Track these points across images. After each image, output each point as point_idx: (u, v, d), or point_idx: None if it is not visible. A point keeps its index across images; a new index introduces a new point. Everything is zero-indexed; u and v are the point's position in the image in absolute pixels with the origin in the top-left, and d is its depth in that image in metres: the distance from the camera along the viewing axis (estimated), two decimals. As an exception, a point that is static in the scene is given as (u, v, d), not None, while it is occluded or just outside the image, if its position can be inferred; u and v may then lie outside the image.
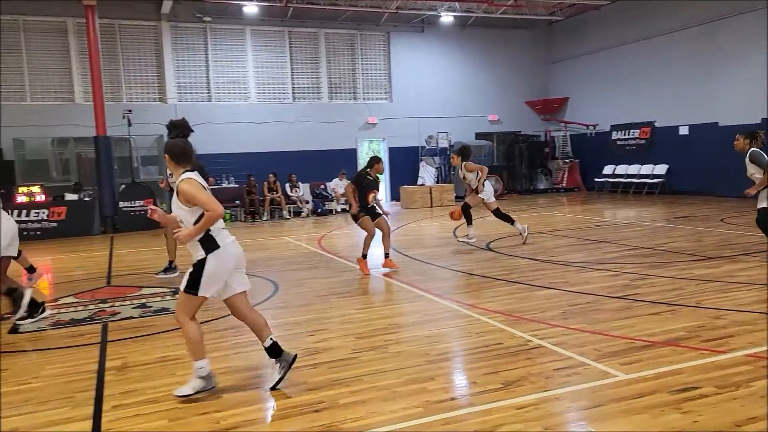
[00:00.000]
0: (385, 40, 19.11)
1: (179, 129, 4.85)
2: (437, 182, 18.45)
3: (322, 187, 17.38)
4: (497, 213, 9.44)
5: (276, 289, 6.91)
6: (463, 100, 19.79)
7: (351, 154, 18.51)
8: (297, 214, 16.40)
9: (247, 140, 17.01)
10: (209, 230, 3.72)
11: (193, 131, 5.46)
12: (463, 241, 9.38)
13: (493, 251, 8.94)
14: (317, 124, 18.00)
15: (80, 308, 6.38)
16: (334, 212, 16.79)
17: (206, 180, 3.99)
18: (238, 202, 16.04)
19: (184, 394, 3.72)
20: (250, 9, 16.42)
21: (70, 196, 13.50)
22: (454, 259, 8.40)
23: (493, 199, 9.51)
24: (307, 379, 4.00)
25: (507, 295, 6.15)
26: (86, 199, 13.71)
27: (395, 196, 18.71)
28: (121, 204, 13.82)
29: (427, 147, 19.06)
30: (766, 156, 6.97)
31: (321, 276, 7.69)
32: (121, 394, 3.87)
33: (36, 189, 13.07)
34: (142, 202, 13.95)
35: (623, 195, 17.44)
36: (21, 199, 12.87)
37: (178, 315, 3.89)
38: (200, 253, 3.72)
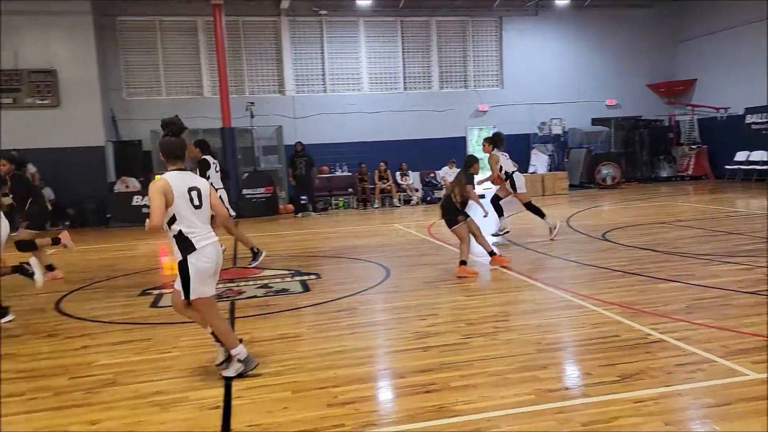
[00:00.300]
0: (497, 26, 18.76)
1: (170, 127, 5.01)
2: (550, 170, 17.91)
3: (432, 175, 17.46)
4: (528, 206, 8.92)
5: (388, 274, 7.10)
6: (579, 84, 18.99)
7: (460, 143, 18.41)
8: (407, 201, 16.61)
9: (359, 130, 17.43)
10: (182, 230, 3.86)
11: (186, 128, 5.44)
12: (499, 234, 9.12)
13: (610, 241, 8.59)
14: (427, 112, 18.07)
15: (210, 286, 6.93)
16: (443, 200, 16.85)
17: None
18: (350, 189, 16.54)
19: (229, 375, 3.94)
20: (364, 1, 16.76)
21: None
22: (566, 249, 8.17)
23: (524, 190, 8.95)
24: (418, 361, 4.12)
25: (625, 286, 5.91)
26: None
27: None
28: (244, 191, 14.73)
29: (540, 134, 18.53)
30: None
31: (431, 263, 7.79)
32: (248, 366, 4.19)
33: (170, 177, 14.25)
34: (263, 190, 14.80)
35: (758, 183, 15.98)
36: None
37: (204, 320, 4.07)
38: (178, 256, 3.88)
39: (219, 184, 8.27)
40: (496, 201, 9.19)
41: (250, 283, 7.02)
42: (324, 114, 17.28)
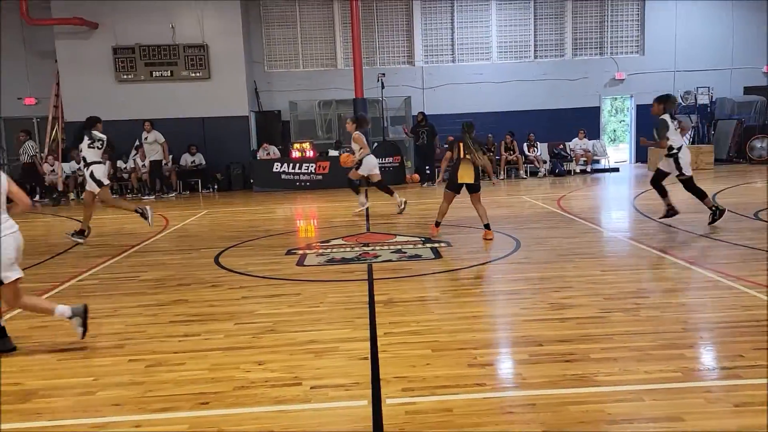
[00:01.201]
0: (640, -13, 17.55)
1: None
2: (692, 143, 16.66)
3: (561, 147, 16.93)
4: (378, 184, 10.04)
5: (518, 245, 7.12)
6: (731, 50, 17.36)
7: (593, 113, 17.64)
8: (533, 174, 16.28)
9: (487, 100, 17.24)
10: None
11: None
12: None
13: (763, 221, 7.96)
14: (559, 81, 17.44)
15: (348, 249, 7.36)
16: (572, 173, 16.31)
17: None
18: (476, 160, 16.46)
19: (80, 332, 4.20)
20: (496, -33, 16.37)
21: (332, 153, 15.25)
22: (713, 228, 7.68)
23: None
24: (556, 331, 4.18)
25: (781, 270, 5.52)
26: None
27: (642, 157, 17.43)
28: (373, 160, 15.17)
29: (682, 104, 17.23)
30: (671, 126, 7.57)
31: (562, 236, 7.69)
32: (389, 324, 4.48)
33: (306, 146, 15.06)
34: (391, 159, 15.18)
35: None
36: (295, 154, 14.96)
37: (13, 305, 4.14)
38: None
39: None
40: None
41: (385, 247, 7.36)
42: (452, 84, 17.27)
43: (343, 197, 13.25)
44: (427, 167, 15.27)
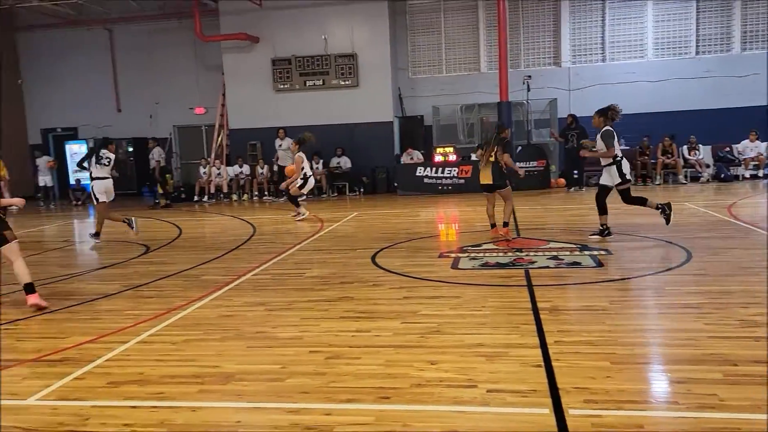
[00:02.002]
0: (827, -30, 15.59)
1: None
2: None
3: (727, 149, 15.48)
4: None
5: (689, 256, 6.61)
6: None
7: (765, 112, 15.92)
8: (694, 179, 15.05)
9: (641, 100, 16.17)
10: None
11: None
12: None
13: None
14: (724, 79, 15.95)
15: (501, 254, 7.28)
16: (741, 178, 14.86)
17: None
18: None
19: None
20: (655, -42, 15.36)
21: (474, 157, 15.19)
22: None
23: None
24: (751, 350, 3.81)
25: None
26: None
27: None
28: (517, 164, 14.88)
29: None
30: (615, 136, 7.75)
31: (740, 246, 7.02)
32: (558, 333, 4.35)
33: (449, 150, 15.15)
34: (535, 163, 14.81)
35: None
36: (438, 158, 15.11)
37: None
38: None
39: None
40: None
41: (539, 253, 7.17)
42: (601, 85, 16.45)
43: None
44: (575, 171, 14.69)
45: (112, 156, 9.68)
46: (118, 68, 18.96)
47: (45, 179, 17.57)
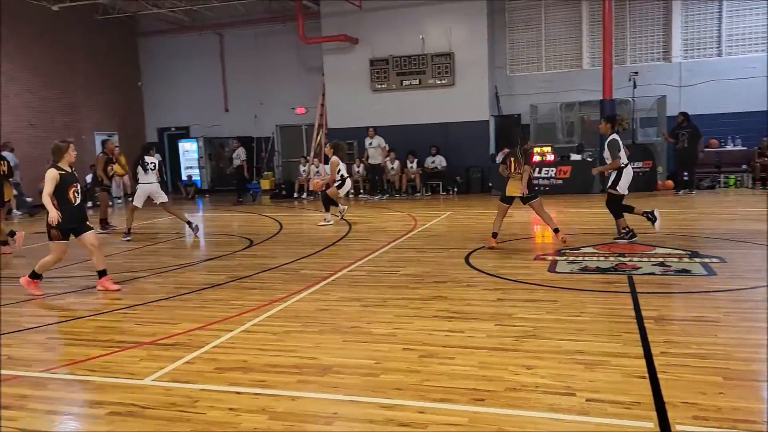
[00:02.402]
0: None
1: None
2: None
3: None
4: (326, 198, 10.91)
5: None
6: None
7: None
8: (823, 183, 13.71)
9: (760, 97, 14.97)
10: None
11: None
12: None
13: None
14: None
15: (602, 258, 6.99)
16: None
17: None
18: (745, 166, 14.44)
19: None
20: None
21: (574, 157, 14.69)
22: None
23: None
24: None
25: None
26: (588, 159, 14.68)
27: None
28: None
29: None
30: (621, 145, 7.78)
31: None
32: (664, 343, 4.12)
33: (547, 149, 14.73)
34: (640, 164, 14.07)
35: None
36: (535, 158, 14.71)
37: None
38: None
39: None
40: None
41: (644, 259, 6.82)
42: (716, 81, 15.37)
43: (586, 203, 12.67)
44: (685, 173, 13.82)
45: (156, 160, 10.33)
46: (227, 70, 20.01)
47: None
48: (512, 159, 7.96)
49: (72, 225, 6.17)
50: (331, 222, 10.86)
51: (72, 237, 6.27)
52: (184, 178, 19.59)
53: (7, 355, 4.47)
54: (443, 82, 16.38)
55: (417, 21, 16.53)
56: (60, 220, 5.97)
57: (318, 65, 17.97)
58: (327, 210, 10.99)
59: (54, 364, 4.25)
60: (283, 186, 17.58)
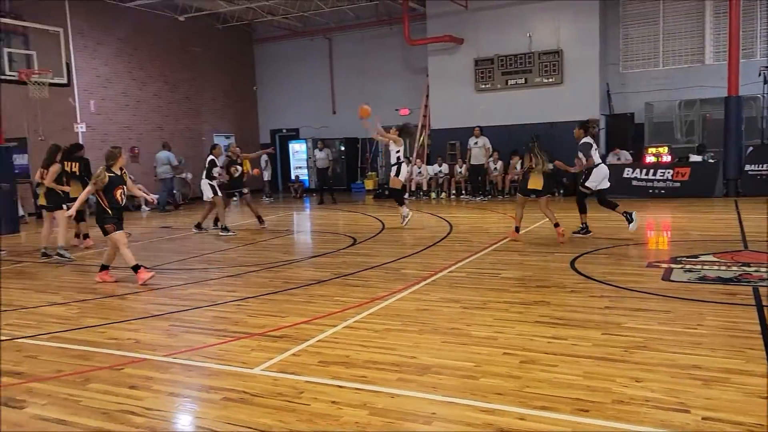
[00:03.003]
0: None
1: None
2: None
3: None
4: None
5: None
6: None
7: None
8: None
9: None
10: None
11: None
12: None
13: None
14: None
15: (723, 268, 6.50)
16: None
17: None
18: None
19: None
20: None
21: (694, 158, 13.74)
22: None
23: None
24: None
25: None
26: (710, 160, 13.68)
27: None
28: (747, 167, 13.16)
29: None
30: (593, 149, 8.79)
31: None
32: (795, 363, 3.78)
33: (663, 150, 13.87)
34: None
35: None
36: (649, 159, 13.92)
37: None
38: None
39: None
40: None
41: (773, 270, 6.27)
42: None
43: (706, 207, 11.82)
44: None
45: (219, 159, 11.25)
46: (335, 73, 20.63)
47: (266, 173, 19.72)
48: (530, 155, 8.75)
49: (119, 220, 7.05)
50: (409, 215, 10.70)
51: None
52: (292, 177, 20.48)
53: (135, 339, 4.91)
54: (550, 80, 15.92)
55: (524, 19, 16.18)
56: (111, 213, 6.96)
57: (422, 66, 18.07)
58: (401, 204, 10.88)
59: (175, 349, 4.61)
60: (386, 186, 17.85)
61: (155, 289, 6.77)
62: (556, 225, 8.53)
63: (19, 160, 15.51)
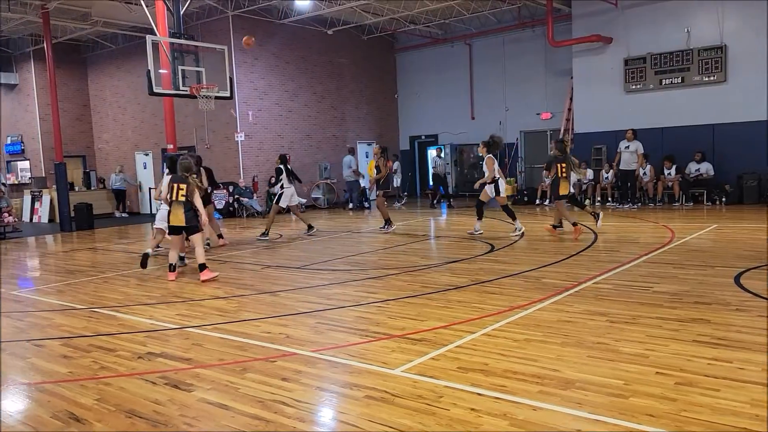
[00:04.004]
0: None
1: None
2: None
3: None
4: (505, 208, 10.49)
5: None
6: None
7: None
8: None
9: None
10: None
11: None
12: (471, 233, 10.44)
13: None
14: None
15: None
16: None
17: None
18: None
19: None
20: None
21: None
22: None
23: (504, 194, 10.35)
24: None
25: None
26: None
27: None
28: None
29: None
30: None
31: None
32: None
33: None
34: None
35: None
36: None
37: None
38: None
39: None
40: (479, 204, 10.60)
41: None
42: None
43: None
44: None
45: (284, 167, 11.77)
46: (474, 79, 20.55)
47: (397, 179, 20.11)
48: (561, 165, 9.94)
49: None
50: (522, 229, 10.42)
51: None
52: (430, 183, 20.64)
53: (286, 334, 5.26)
54: (712, 78, 14.59)
55: (681, 13, 15.01)
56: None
57: (565, 68, 17.44)
58: (513, 218, 10.52)
59: (322, 346, 4.87)
60: (525, 192, 17.45)
61: (304, 288, 7.20)
62: (554, 227, 10.21)
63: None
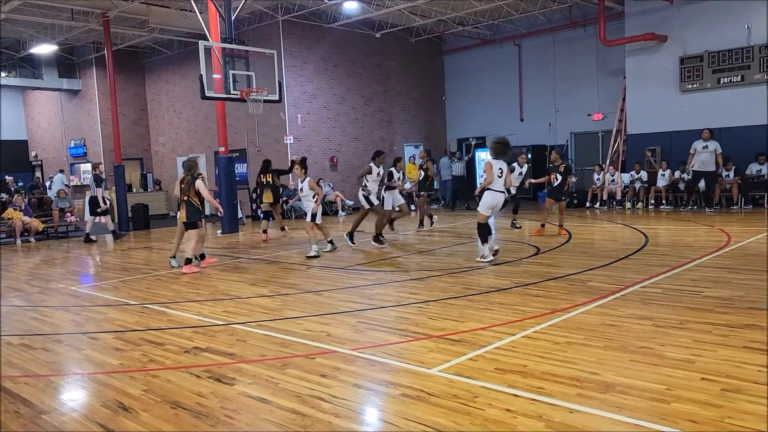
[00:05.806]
0: None
1: None
2: None
3: None
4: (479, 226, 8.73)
5: None
6: None
7: None
8: None
9: None
10: None
11: None
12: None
13: None
14: None
15: None
16: None
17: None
18: None
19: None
20: None
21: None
22: None
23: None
24: None
25: None
26: None
27: None
28: None
29: None
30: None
31: None
32: None
33: None
34: None
35: None
36: None
37: None
38: None
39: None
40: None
41: None
42: None
43: None
44: None
45: (380, 169, 10.84)
46: (523, 80, 20.29)
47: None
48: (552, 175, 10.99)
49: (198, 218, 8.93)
50: (489, 258, 8.43)
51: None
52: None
53: (327, 332, 5.34)
54: (773, 76, 13.94)
55: (741, 9, 14.41)
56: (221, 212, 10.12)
57: (618, 68, 17.01)
58: (483, 240, 8.54)
59: (361, 344, 4.93)
60: (575, 195, 17.09)
61: (346, 288, 7.29)
62: (542, 225, 11.06)
63: (240, 168, 17.71)
